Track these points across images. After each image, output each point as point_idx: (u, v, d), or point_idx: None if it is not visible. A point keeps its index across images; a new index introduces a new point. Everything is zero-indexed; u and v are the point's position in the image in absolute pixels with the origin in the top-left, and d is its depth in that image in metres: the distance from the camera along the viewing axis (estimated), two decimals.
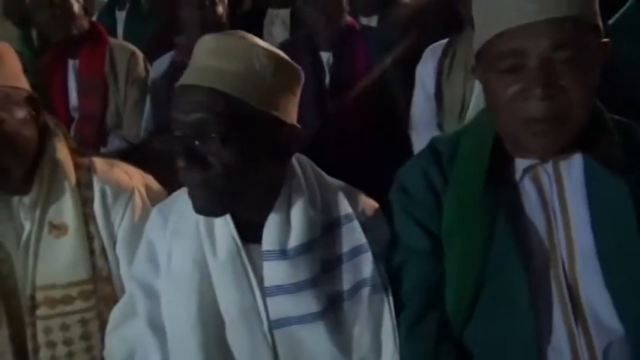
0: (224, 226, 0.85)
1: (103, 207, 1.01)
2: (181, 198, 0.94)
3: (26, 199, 1.01)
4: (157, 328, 0.91)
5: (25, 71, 1.39)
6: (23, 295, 1.01)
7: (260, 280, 0.84)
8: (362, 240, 0.86)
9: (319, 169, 0.93)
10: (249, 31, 2.00)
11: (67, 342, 1.02)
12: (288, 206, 0.84)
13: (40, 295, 1.00)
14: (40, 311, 1.01)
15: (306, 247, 0.82)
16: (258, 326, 0.84)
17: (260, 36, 2.42)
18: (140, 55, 1.97)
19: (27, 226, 0.99)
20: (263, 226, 0.84)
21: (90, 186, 1.02)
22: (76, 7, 1.86)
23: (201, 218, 0.87)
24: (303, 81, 0.86)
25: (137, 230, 1.03)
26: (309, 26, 1.74)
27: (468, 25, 1.67)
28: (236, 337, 0.85)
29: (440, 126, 1.70)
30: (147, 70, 1.98)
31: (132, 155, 1.95)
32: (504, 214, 0.81)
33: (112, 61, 1.93)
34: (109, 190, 1.02)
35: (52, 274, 1.00)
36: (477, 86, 1.62)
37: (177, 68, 1.86)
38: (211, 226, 0.86)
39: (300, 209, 0.83)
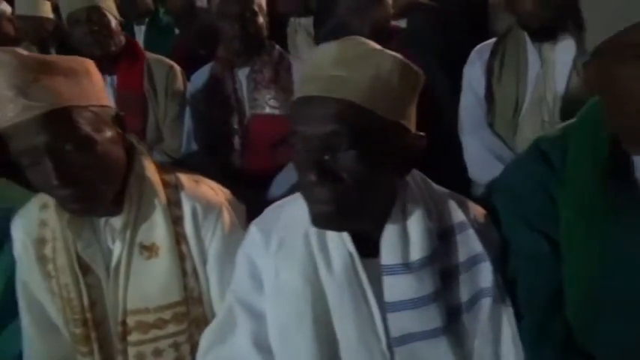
0: (338, 241, 0.82)
1: (194, 225, 0.98)
2: (283, 212, 0.91)
3: (114, 221, 0.97)
4: (263, 348, 0.88)
5: None
6: (114, 321, 0.98)
7: (378, 296, 0.81)
8: (479, 249, 0.83)
9: (425, 176, 0.90)
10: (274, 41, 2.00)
11: None
12: (404, 217, 0.81)
13: (131, 320, 0.97)
14: (132, 337, 0.98)
15: (429, 260, 0.79)
16: (377, 345, 0.81)
17: (284, 46, 2.42)
18: (178, 68, 1.95)
19: (117, 248, 0.96)
20: (377, 239, 0.81)
21: (179, 204, 0.99)
22: (114, 23, 1.83)
23: (312, 233, 0.84)
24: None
25: (228, 248, 1.00)
26: (352, 30, 1.71)
27: (516, 25, 1.66)
28: (353, 357, 0.82)
29: (491, 126, 1.69)
30: (184, 84, 1.96)
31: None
32: (626, 211, 0.79)
33: (150, 76, 1.90)
34: (199, 208, 0.99)
35: (144, 297, 0.97)
36: (530, 87, 1.61)
37: (217, 80, 1.83)
38: (324, 241, 0.83)
39: (418, 220, 0.80)
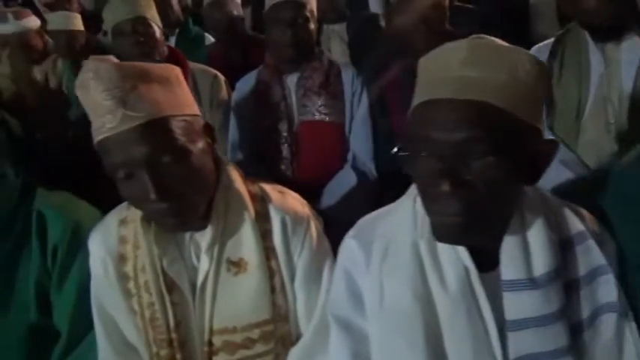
0: (451, 254, 0.77)
1: (284, 239, 0.93)
2: (381, 224, 0.86)
3: (198, 236, 0.93)
4: None
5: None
6: (199, 341, 0.93)
7: (495, 313, 0.75)
8: (600, 260, 0.78)
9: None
10: None
11: None
12: (524, 228, 0.76)
13: (218, 340, 0.93)
14: (219, 358, 0.93)
15: (555, 274, 0.74)
16: None
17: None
18: (222, 78, 1.91)
19: (203, 265, 0.91)
20: (492, 252, 0.76)
21: (267, 217, 0.94)
22: (158, 33, 1.81)
23: (422, 246, 0.79)
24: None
25: (315, 263, 0.96)
26: (407, 34, 1.67)
27: (576, 25, 1.61)
28: None
29: (551, 128, 1.63)
30: (229, 93, 1.92)
31: None
32: None
33: (195, 86, 1.86)
34: (288, 221, 0.95)
35: (231, 316, 0.92)
36: (593, 89, 1.56)
37: (265, 86, 1.80)
38: (435, 254, 0.78)
39: (540, 231, 0.75)
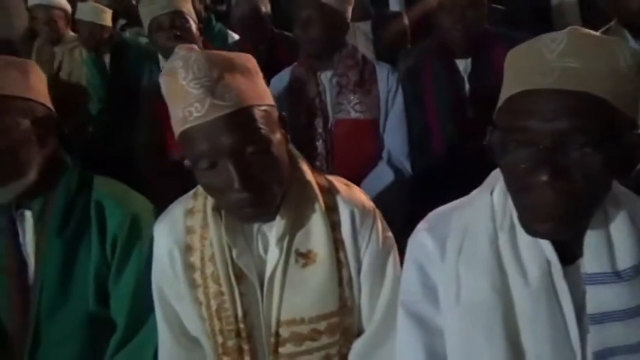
0: (534, 247, 0.77)
1: (352, 231, 0.94)
2: (455, 217, 0.86)
3: (266, 228, 0.93)
4: None
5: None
6: (266, 332, 0.94)
7: (578, 308, 0.76)
8: None
9: None
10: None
11: None
12: (607, 221, 0.76)
13: (285, 332, 0.93)
14: (285, 349, 0.93)
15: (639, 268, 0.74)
16: None
17: None
18: None
19: (272, 256, 0.92)
20: (573, 245, 0.76)
21: (336, 209, 0.95)
22: (194, 28, 1.81)
23: (502, 239, 0.79)
24: None
25: (381, 255, 0.96)
26: (445, 33, 1.68)
27: (615, 23, 1.62)
28: None
29: None
30: None
31: None
32: None
33: None
34: (356, 213, 0.95)
35: (299, 307, 0.92)
36: None
37: (300, 83, 1.80)
38: (516, 248, 0.78)
39: (624, 225, 0.75)
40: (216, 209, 0.92)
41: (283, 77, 1.87)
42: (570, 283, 0.76)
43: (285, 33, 2.63)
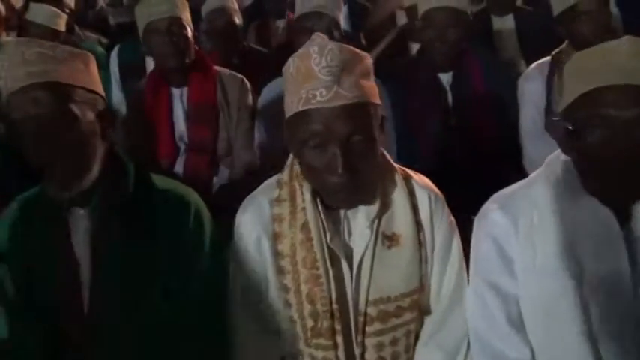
0: (596, 212, 0.91)
1: (430, 213, 1.03)
2: (520, 195, 0.99)
3: (351, 213, 0.99)
4: (518, 326, 0.94)
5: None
6: (354, 312, 0.99)
7: (632, 261, 0.91)
8: None
9: None
10: None
11: (395, 356, 1.01)
12: None
13: (373, 310, 0.99)
14: (373, 327, 0.99)
15: None
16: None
17: None
18: (247, 83, 1.94)
19: (361, 239, 0.98)
20: (625, 210, 0.92)
21: (413, 194, 1.03)
22: (190, 35, 1.81)
23: (567, 208, 0.92)
24: None
25: (449, 235, 1.06)
26: (431, 48, 1.84)
27: (569, 44, 1.89)
28: (612, 327, 0.90)
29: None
30: (254, 97, 1.96)
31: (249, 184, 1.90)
32: None
33: (223, 89, 1.88)
34: (432, 196, 1.04)
35: (386, 287, 0.99)
36: None
37: None
38: (581, 214, 0.92)
39: None
40: (314, 195, 0.97)
41: (275, 86, 1.92)
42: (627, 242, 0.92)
43: (257, 47, 2.69)
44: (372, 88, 0.94)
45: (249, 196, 1.07)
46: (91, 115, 1.02)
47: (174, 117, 1.86)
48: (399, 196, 1.01)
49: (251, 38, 3.13)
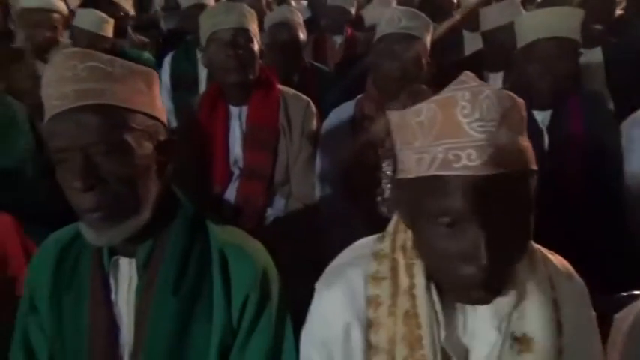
0: None
1: (575, 311, 0.78)
2: None
3: (470, 306, 0.76)
4: None
5: None
6: None
7: None
8: None
9: None
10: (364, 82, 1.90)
11: None
12: None
13: None
14: None
15: None
16: None
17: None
18: (313, 106, 1.74)
19: (485, 340, 0.74)
20: None
21: (552, 282, 0.79)
22: (257, 50, 1.62)
23: None
24: None
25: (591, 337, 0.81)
26: (532, 82, 1.60)
27: None
28: None
29: None
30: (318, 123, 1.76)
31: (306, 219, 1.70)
32: None
33: (286, 111, 1.68)
34: (577, 290, 0.80)
35: None
36: None
37: (368, 119, 1.65)
38: None
39: None
40: (429, 278, 0.74)
41: (345, 111, 1.72)
42: None
43: (318, 64, 2.50)
44: (529, 148, 0.71)
45: (335, 265, 0.85)
46: (148, 148, 0.83)
47: (230, 138, 1.67)
48: (536, 287, 0.76)
49: (307, 54, 2.95)
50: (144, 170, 0.82)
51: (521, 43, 1.62)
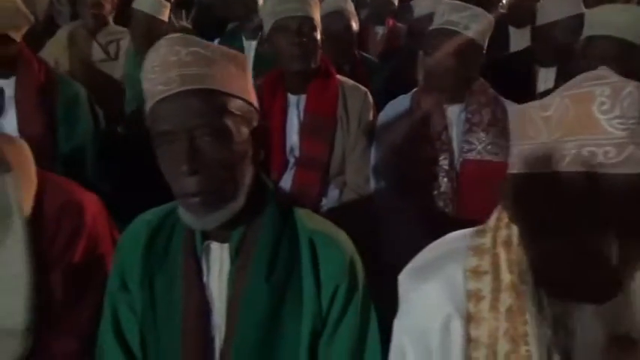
0: None
1: None
2: None
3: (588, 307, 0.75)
4: None
5: None
6: None
7: None
8: None
9: None
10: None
11: None
12: None
13: None
14: None
15: None
16: None
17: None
18: (371, 97, 1.74)
19: (593, 336, 0.74)
20: None
21: None
22: (319, 39, 1.62)
23: None
24: None
25: None
26: None
27: None
28: None
29: None
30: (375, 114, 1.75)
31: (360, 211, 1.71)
32: None
33: (344, 101, 1.68)
34: None
35: None
36: None
37: (425, 113, 1.64)
38: None
39: None
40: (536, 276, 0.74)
41: (401, 104, 1.71)
42: None
43: (366, 55, 2.49)
44: None
45: (429, 258, 0.85)
46: (245, 133, 0.84)
47: (287, 126, 1.68)
48: None
49: None
50: (241, 156, 0.83)
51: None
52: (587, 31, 1.60)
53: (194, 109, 0.79)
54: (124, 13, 2.84)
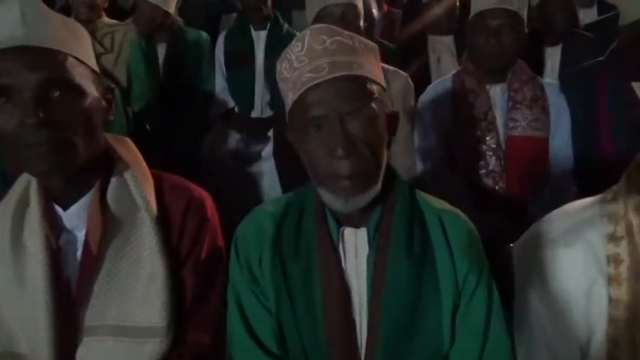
0: None
1: None
2: None
3: None
4: None
5: None
6: None
7: None
8: None
9: None
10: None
11: None
12: None
13: None
14: None
15: None
16: None
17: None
18: (411, 81, 1.76)
19: None
20: None
21: None
22: (363, 26, 1.63)
23: None
24: None
25: None
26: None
27: None
28: None
29: None
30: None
31: None
32: None
33: (388, 86, 1.69)
34: None
35: None
36: None
37: (469, 93, 1.68)
38: None
39: None
40: None
41: (443, 85, 1.74)
42: None
43: (382, 40, 2.50)
44: None
45: (563, 227, 0.88)
46: (383, 119, 0.85)
47: None
48: None
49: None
50: (383, 140, 0.85)
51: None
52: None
53: (345, 94, 0.80)
54: (115, 7, 2.76)
